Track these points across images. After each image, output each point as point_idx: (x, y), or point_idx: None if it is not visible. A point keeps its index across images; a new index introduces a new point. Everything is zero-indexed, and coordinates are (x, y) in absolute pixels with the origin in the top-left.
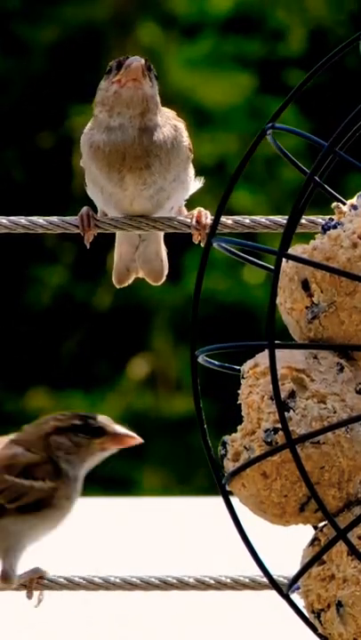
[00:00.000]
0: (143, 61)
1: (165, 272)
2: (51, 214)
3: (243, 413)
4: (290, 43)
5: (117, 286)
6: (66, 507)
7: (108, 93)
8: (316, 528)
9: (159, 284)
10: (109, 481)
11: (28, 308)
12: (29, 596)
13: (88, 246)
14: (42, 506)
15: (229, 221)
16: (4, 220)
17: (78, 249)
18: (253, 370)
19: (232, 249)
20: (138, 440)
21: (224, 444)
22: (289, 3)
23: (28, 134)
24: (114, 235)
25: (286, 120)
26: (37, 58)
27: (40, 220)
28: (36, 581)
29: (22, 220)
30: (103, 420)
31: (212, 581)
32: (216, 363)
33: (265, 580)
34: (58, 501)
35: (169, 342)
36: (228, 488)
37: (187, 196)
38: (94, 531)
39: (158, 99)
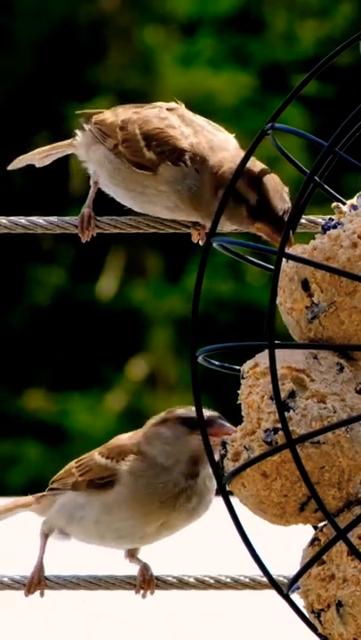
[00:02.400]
0: None
1: None
2: (49, 215)
3: (243, 413)
4: (292, 42)
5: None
6: (132, 487)
7: None
8: (316, 528)
9: None
10: None
11: (26, 309)
12: (27, 595)
13: (83, 241)
14: (107, 484)
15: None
16: (4, 220)
17: (77, 249)
18: (253, 370)
19: (232, 249)
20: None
21: (224, 444)
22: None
23: (26, 134)
24: (113, 235)
25: (289, 119)
26: (34, 56)
27: (40, 219)
28: (36, 581)
29: (22, 219)
30: (208, 413)
31: (212, 581)
32: (216, 363)
33: (265, 579)
34: (122, 480)
35: (168, 343)
36: (228, 488)
37: None
38: None
39: None
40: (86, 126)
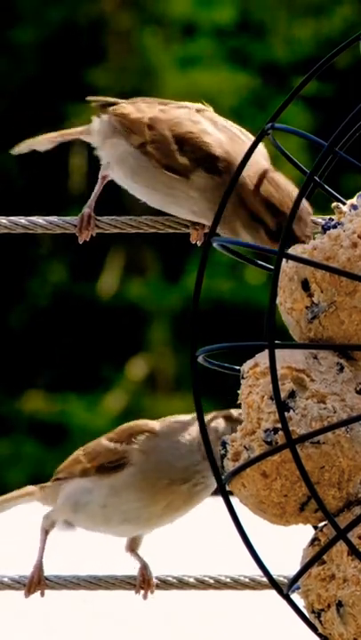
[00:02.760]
0: None
1: None
2: (48, 214)
3: (243, 413)
4: (292, 43)
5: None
6: (144, 465)
7: None
8: (316, 528)
9: None
10: None
11: (25, 308)
12: (27, 595)
13: (81, 241)
14: (117, 467)
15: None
16: (4, 220)
17: (77, 249)
18: (253, 370)
19: (232, 249)
20: None
21: (224, 444)
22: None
23: (25, 135)
24: (113, 235)
25: (289, 119)
26: (33, 58)
27: (40, 219)
28: (36, 581)
29: (22, 219)
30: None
31: (212, 581)
32: (216, 363)
33: (265, 579)
34: (134, 459)
35: (168, 343)
36: (228, 488)
37: None
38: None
39: None
40: (104, 116)
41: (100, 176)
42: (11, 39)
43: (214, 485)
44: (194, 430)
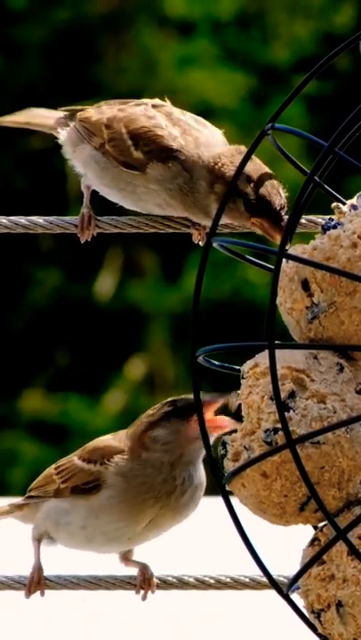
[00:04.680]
0: None
1: None
2: (48, 215)
3: (243, 413)
4: (292, 42)
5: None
6: (122, 488)
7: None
8: (316, 528)
9: None
10: None
11: (24, 309)
12: (27, 596)
13: (82, 241)
14: (93, 489)
15: (229, 221)
16: (4, 220)
17: (76, 249)
18: (253, 370)
19: (232, 249)
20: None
21: (224, 444)
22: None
23: (23, 135)
24: (111, 235)
25: (289, 119)
26: (31, 59)
27: (39, 219)
28: (36, 581)
29: (22, 219)
30: (192, 397)
31: (213, 581)
32: (216, 363)
33: (265, 579)
34: (110, 482)
35: (167, 343)
36: (228, 488)
37: None
38: None
39: None
40: (70, 123)
41: (82, 187)
42: (14, 38)
43: (201, 492)
44: (176, 445)
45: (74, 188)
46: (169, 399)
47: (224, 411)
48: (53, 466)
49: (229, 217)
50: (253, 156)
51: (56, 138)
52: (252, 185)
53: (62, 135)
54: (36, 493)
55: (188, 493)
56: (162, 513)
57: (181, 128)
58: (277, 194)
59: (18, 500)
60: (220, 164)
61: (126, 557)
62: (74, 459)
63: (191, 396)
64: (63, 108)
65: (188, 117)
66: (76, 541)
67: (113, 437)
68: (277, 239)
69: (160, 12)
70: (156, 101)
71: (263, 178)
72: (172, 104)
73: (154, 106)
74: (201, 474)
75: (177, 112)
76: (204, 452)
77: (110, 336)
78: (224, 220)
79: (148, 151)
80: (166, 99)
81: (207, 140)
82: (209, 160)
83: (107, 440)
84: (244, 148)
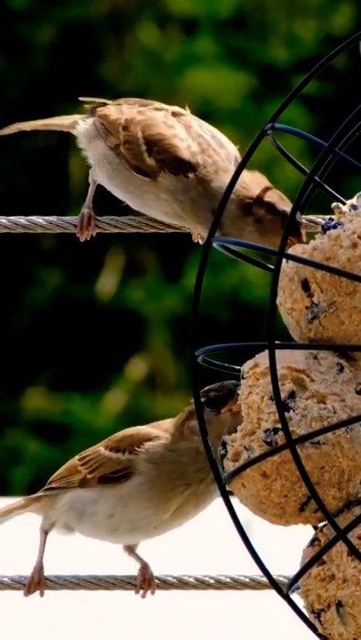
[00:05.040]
0: None
1: None
2: (49, 215)
3: (243, 413)
4: (292, 42)
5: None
6: (153, 474)
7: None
8: (316, 528)
9: None
10: None
11: (26, 308)
12: (27, 594)
13: (82, 240)
14: (122, 477)
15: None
16: (4, 220)
17: (77, 249)
18: (253, 370)
19: (232, 249)
20: None
21: (224, 444)
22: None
23: (26, 134)
24: (112, 235)
25: (289, 120)
26: (33, 58)
27: (39, 219)
28: (36, 581)
29: (22, 219)
30: (225, 386)
31: (212, 581)
32: (216, 363)
33: (265, 579)
34: (140, 469)
35: (168, 343)
36: (228, 488)
37: None
38: None
39: None
40: (88, 119)
41: (90, 180)
42: (17, 37)
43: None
44: (212, 435)
45: (76, 188)
46: (207, 387)
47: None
48: (77, 457)
49: (244, 238)
50: (255, 174)
51: (71, 134)
52: (259, 207)
53: (80, 126)
54: (59, 484)
55: (214, 485)
56: (188, 500)
57: (200, 146)
58: (286, 204)
59: (24, 497)
60: (243, 190)
61: (131, 549)
62: (100, 449)
63: (228, 383)
64: (84, 99)
65: (206, 131)
66: (100, 532)
67: (150, 425)
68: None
69: (162, 10)
70: (176, 109)
71: (266, 194)
72: (173, 104)
73: (173, 114)
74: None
75: (196, 125)
76: None
77: (111, 336)
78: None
79: (161, 159)
80: (187, 107)
81: (224, 166)
82: (237, 192)
83: (136, 428)
84: (260, 177)
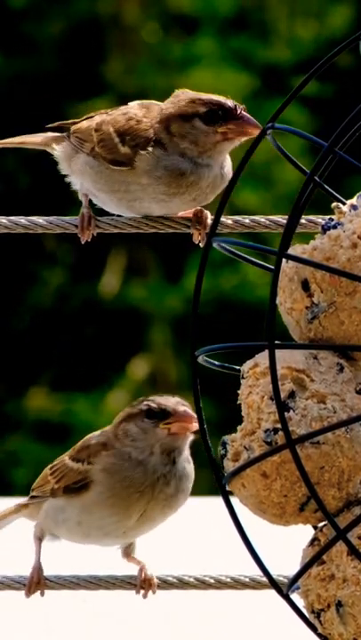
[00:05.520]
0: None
1: None
2: (50, 215)
3: (243, 413)
4: (293, 43)
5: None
6: (109, 483)
7: None
8: (316, 528)
9: None
10: None
11: (27, 309)
12: (27, 596)
13: (83, 241)
14: (82, 487)
15: (229, 221)
16: (4, 220)
17: (78, 250)
18: (253, 370)
19: (232, 249)
20: (194, 427)
21: (224, 444)
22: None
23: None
24: (114, 235)
25: (289, 120)
26: (35, 59)
27: (40, 219)
28: (36, 581)
29: (22, 219)
30: (172, 402)
31: (213, 581)
32: (216, 363)
33: (265, 579)
34: (97, 479)
35: (169, 343)
36: (228, 488)
37: None
38: None
39: None
40: (65, 142)
41: (80, 197)
42: (21, 36)
43: (188, 483)
44: (143, 444)
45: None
46: (150, 397)
47: None
48: (49, 466)
49: (199, 144)
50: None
51: (51, 155)
52: (198, 104)
53: (57, 150)
54: (36, 493)
55: (172, 485)
56: (151, 506)
57: (147, 109)
58: (225, 99)
59: (23, 499)
60: (164, 110)
61: (127, 553)
62: (65, 459)
63: (168, 400)
64: (51, 125)
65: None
66: (76, 537)
67: (100, 433)
68: (252, 133)
69: (165, 10)
70: (146, 102)
71: (202, 94)
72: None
73: (143, 106)
74: (184, 465)
75: (156, 102)
76: (184, 447)
77: (113, 336)
78: (193, 150)
79: (135, 145)
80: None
81: (166, 102)
82: (158, 116)
83: (92, 437)
84: (187, 91)
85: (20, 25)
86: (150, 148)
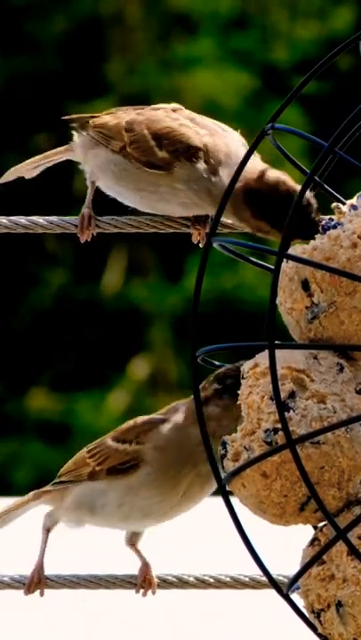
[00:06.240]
0: None
1: None
2: (50, 215)
3: (243, 413)
4: (293, 43)
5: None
6: (160, 461)
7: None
8: (316, 528)
9: None
10: None
11: (28, 309)
12: (27, 594)
13: (83, 241)
14: (130, 468)
15: (229, 221)
16: (4, 220)
17: (79, 250)
18: (253, 370)
19: (232, 249)
20: None
21: (224, 444)
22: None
23: (28, 134)
24: (115, 235)
25: (289, 120)
26: (36, 58)
27: (40, 219)
28: (36, 580)
29: (22, 219)
30: (234, 368)
31: (212, 580)
32: (216, 363)
33: (265, 579)
34: (148, 458)
35: (169, 343)
36: (228, 488)
37: None
38: (95, 530)
39: None
40: (82, 132)
41: (88, 183)
42: (22, 36)
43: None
44: (230, 420)
45: (79, 188)
46: (216, 373)
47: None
48: (85, 450)
49: (247, 226)
50: (259, 160)
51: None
52: (260, 219)
53: (75, 140)
54: (68, 478)
55: (207, 465)
56: (193, 482)
57: (208, 129)
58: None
59: (43, 488)
60: (251, 180)
61: (132, 541)
62: (106, 440)
63: (239, 364)
64: (66, 118)
65: (209, 121)
66: (113, 521)
67: (158, 413)
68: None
69: (166, 10)
70: (175, 106)
71: (287, 188)
72: (178, 103)
73: (173, 110)
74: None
75: (198, 116)
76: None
77: (113, 336)
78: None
79: (174, 150)
80: (180, 104)
81: (236, 152)
82: (243, 179)
83: (141, 418)
84: (284, 177)
85: (22, 24)
86: (197, 163)
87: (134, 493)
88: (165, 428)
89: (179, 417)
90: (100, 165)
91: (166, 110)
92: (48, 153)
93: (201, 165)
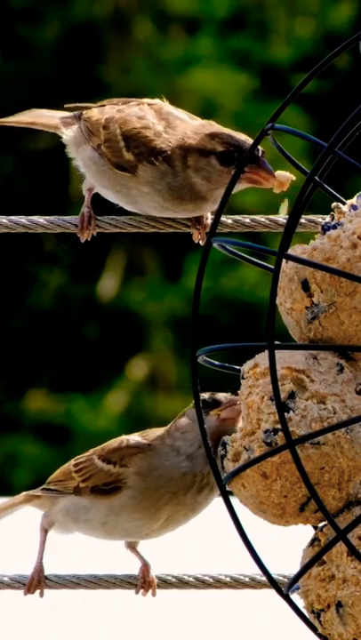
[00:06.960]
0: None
1: None
2: (50, 215)
3: (243, 414)
4: (292, 43)
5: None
6: (142, 487)
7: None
8: (316, 528)
9: None
10: None
11: (27, 309)
12: (27, 594)
13: (83, 241)
14: (113, 490)
15: (229, 221)
16: (4, 220)
17: (78, 250)
18: (253, 370)
19: (232, 249)
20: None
21: (224, 445)
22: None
23: (26, 135)
24: (113, 235)
25: (289, 120)
26: (32, 60)
27: (40, 219)
28: (36, 580)
29: (22, 219)
30: (222, 394)
31: (212, 580)
32: (216, 363)
33: (265, 579)
34: (130, 483)
35: (168, 343)
36: (228, 488)
37: None
38: None
39: None
40: (77, 123)
41: (84, 192)
42: (20, 37)
43: (215, 489)
44: (194, 434)
45: (77, 188)
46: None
47: None
48: (72, 462)
49: (211, 181)
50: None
51: (60, 137)
52: (216, 141)
53: (67, 135)
54: (55, 487)
55: (205, 491)
56: (177, 510)
57: (167, 121)
58: (245, 139)
59: (34, 490)
60: (186, 138)
61: (132, 546)
62: (93, 458)
63: (222, 394)
64: (69, 105)
65: (181, 113)
66: (97, 535)
67: (140, 434)
68: (262, 181)
69: (163, 11)
70: (155, 101)
71: (225, 131)
72: (174, 105)
73: (150, 104)
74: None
75: (170, 108)
76: None
77: (112, 336)
78: (210, 189)
79: (139, 153)
80: (164, 98)
81: (191, 128)
82: (178, 141)
83: (127, 440)
84: (213, 124)
85: (18, 27)
86: (157, 162)
87: (116, 514)
88: (149, 454)
89: (162, 445)
90: (85, 161)
91: (142, 107)
92: (36, 120)
93: (161, 165)
